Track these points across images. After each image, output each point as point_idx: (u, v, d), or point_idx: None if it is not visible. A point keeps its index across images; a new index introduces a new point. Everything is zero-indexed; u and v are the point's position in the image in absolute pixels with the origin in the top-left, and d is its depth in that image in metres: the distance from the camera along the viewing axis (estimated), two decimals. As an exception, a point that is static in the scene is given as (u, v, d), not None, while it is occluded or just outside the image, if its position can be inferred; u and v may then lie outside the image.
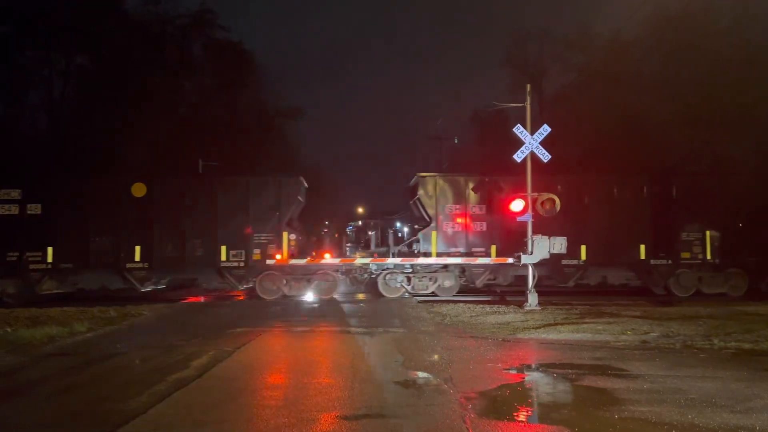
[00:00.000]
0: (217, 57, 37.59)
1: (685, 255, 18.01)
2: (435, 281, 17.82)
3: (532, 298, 14.42)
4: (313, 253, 18.64)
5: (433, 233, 17.82)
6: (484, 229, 17.99)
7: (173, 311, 15.02)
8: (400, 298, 17.48)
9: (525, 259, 14.75)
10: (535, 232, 14.81)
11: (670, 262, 17.99)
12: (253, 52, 39.67)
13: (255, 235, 17.35)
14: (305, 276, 17.78)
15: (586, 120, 30.94)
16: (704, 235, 17.98)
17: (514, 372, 7.84)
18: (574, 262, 17.77)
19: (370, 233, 19.65)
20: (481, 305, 15.03)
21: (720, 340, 9.57)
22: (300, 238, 18.79)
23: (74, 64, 34.16)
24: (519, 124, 14.76)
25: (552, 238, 14.70)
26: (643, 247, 17.91)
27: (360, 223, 19.28)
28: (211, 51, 37.81)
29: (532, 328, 11.20)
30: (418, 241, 18.25)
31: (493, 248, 17.74)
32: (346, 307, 15.69)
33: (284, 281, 17.58)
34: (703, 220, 18.00)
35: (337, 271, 18.31)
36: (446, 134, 40.58)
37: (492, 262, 17.69)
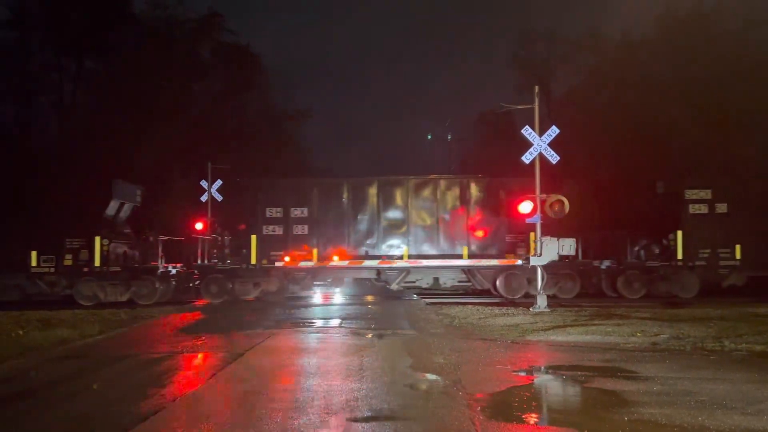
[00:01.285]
0: (226, 60, 37.75)
1: None
2: None
3: (541, 300, 14.38)
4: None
5: None
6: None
7: (183, 314, 15.09)
8: (408, 299, 17.52)
9: (534, 261, 14.72)
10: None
11: None
12: (261, 55, 39.61)
13: None
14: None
15: (595, 121, 30.85)
16: None
17: (523, 374, 7.83)
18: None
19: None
20: (490, 307, 15.02)
21: (731, 342, 9.51)
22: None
23: (84, 68, 34.43)
24: (527, 126, 14.75)
25: (561, 239, 14.67)
26: None
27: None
28: (219, 54, 37.98)
29: (541, 330, 11.18)
30: None
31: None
32: (354, 308, 15.70)
33: None
34: None
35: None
36: (454, 135, 40.55)
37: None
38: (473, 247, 18.55)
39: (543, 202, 14.75)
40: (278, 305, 16.41)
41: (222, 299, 18.12)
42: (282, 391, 6.97)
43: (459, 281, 19.12)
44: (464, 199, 18.83)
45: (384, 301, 17.34)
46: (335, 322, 13.09)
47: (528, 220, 14.92)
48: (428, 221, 18.85)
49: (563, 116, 31.29)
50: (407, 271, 18.77)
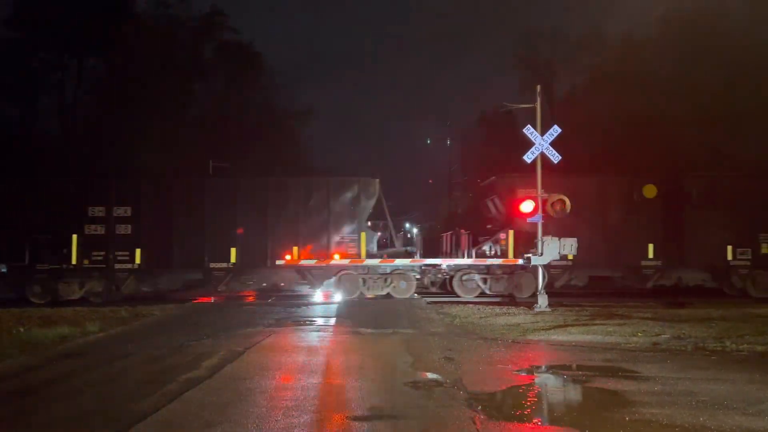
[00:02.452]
0: (228, 59, 37.78)
1: None
2: None
3: (542, 300, 14.37)
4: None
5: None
6: None
7: (183, 311, 15.10)
8: (409, 298, 17.50)
9: (535, 260, 14.71)
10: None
11: None
12: (263, 54, 39.71)
13: None
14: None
15: (597, 121, 30.83)
16: None
17: (523, 373, 7.82)
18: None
19: (378, 234, 19.57)
20: (491, 306, 15.01)
21: (732, 343, 9.50)
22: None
23: (86, 67, 34.47)
24: (529, 125, 14.73)
25: (562, 239, 14.66)
26: None
27: (369, 223, 19.21)
28: (221, 53, 38.01)
29: (542, 329, 11.17)
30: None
31: None
32: (355, 308, 15.70)
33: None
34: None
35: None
36: (455, 135, 40.54)
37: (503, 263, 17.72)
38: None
39: (545, 201, 14.73)
40: (277, 305, 16.41)
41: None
42: (282, 389, 6.96)
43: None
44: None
45: (384, 300, 17.33)
46: (335, 320, 13.08)
47: (529, 220, 14.90)
48: None
49: (565, 116, 31.28)
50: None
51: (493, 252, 18.30)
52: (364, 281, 17.72)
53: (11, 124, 32.71)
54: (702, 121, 26.36)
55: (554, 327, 11.35)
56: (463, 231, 19.37)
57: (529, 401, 6.42)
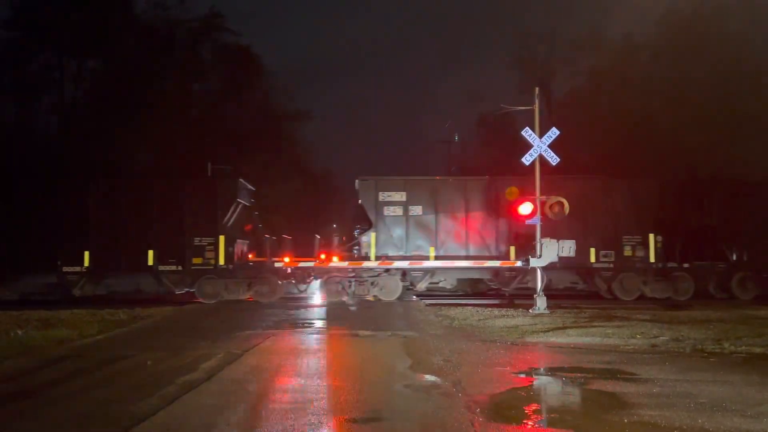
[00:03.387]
0: (226, 61, 37.73)
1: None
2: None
3: (541, 302, 14.37)
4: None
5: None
6: None
7: (181, 314, 15.08)
8: (408, 300, 17.50)
9: (534, 262, 14.72)
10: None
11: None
12: (262, 56, 39.71)
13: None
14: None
15: (595, 123, 30.85)
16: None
17: (522, 376, 7.82)
18: None
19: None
20: (489, 308, 15.01)
21: (731, 345, 9.51)
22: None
23: (85, 68, 34.43)
24: (527, 127, 14.75)
25: (561, 241, 14.67)
26: None
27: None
28: (220, 55, 37.95)
29: (541, 331, 11.17)
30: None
31: None
32: (353, 310, 15.70)
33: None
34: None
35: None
36: (454, 137, 40.45)
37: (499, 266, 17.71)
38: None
39: (543, 203, 14.74)
40: (276, 306, 16.40)
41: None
42: (281, 392, 6.96)
43: None
44: None
45: (383, 303, 17.32)
46: (335, 323, 13.08)
47: (528, 221, 14.90)
48: None
49: (564, 118, 31.30)
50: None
51: None
52: (226, 286, 17.74)
53: (10, 125, 32.68)
54: (701, 122, 26.39)
55: (553, 329, 11.35)
56: None
57: (528, 404, 6.42)
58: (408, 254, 17.79)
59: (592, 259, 17.62)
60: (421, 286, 18.34)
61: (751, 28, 26.83)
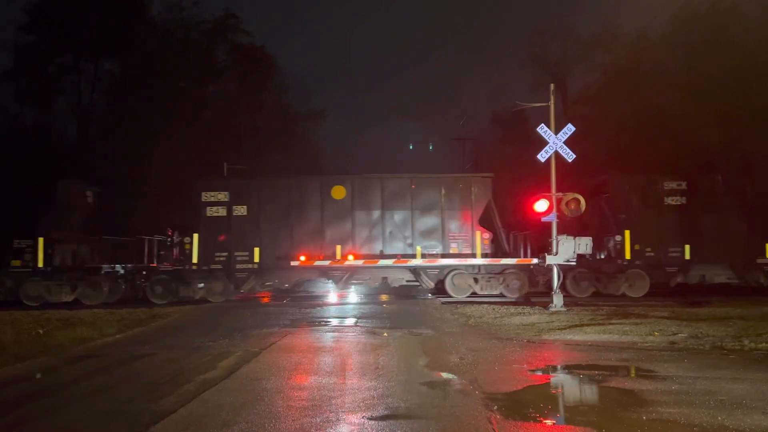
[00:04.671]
0: (241, 61, 37.96)
1: None
2: None
3: (557, 299, 14.30)
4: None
5: None
6: None
7: (200, 313, 15.21)
8: (424, 298, 17.53)
9: (550, 259, 14.65)
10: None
11: None
12: (276, 56, 39.87)
13: None
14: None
15: (611, 119, 30.63)
16: None
17: (539, 373, 7.80)
18: None
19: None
20: (506, 306, 14.98)
21: (751, 341, 9.40)
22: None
23: (102, 70, 34.81)
24: (543, 124, 14.68)
25: (577, 238, 14.59)
26: None
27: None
28: (234, 55, 38.20)
29: (558, 329, 11.13)
30: None
31: None
32: (369, 308, 15.73)
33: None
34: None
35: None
36: (468, 134, 40.33)
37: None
38: None
39: (559, 200, 14.67)
40: (292, 305, 16.48)
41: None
42: (298, 390, 7.00)
43: None
44: None
45: (399, 300, 17.36)
46: (350, 321, 13.12)
47: (544, 219, 14.83)
48: None
49: (579, 114, 31.10)
50: None
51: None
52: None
53: (29, 128, 33.12)
54: (716, 117, 26.09)
55: (570, 327, 11.30)
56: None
57: (545, 401, 6.40)
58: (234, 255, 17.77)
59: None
60: (247, 287, 18.50)
61: (764, 20, 26.45)
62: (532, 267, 17.77)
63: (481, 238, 17.92)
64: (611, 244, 18.15)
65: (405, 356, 8.87)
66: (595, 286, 18.02)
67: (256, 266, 17.73)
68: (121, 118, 31.38)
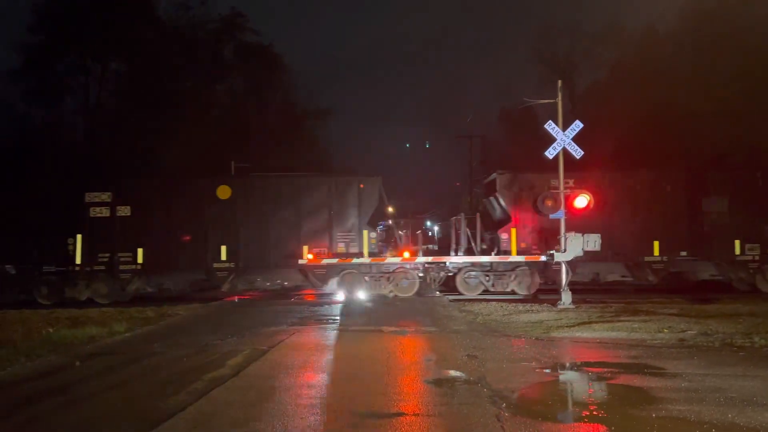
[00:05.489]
0: (248, 60, 38.05)
1: None
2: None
3: (566, 297, 14.25)
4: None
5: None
6: None
7: (208, 311, 15.26)
8: (432, 296, 17.50)
9: (558, 257, 14.60)
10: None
11: None
12: (283, 55, 39.88)
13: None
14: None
15: (618, 115, 30.49)
16: None
17: (548, 371, 7.78)
18: None
19: (400, 232, 19.48)
20: (514, 304, 14.94)
21: (761, 338, 9.34)
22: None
23: (109, 70, 34.95)
24: (551, 121, 14.62)
25: (586, 235, 14.53)
26: None
27: (390, 222, 19.30)
28: (241, 54, 38.29)
29: (566, 326, 11.09)
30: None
31: None
32: (377, 305, 15.73)
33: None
34: None
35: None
36: (476, 132, 40.34)
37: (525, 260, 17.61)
38: None
39: (567, 197, 14.61)
40: (300, 304, 16.52)
41: None
42: (307, 387, 7.02)
43: None
44: None
45: (406, 299, 17.34)
46: (358, 319, 13.12)
47: (552, 216, 14.79)
48: None
49: (586, 111, 30.99)
50: None
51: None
52: None
53: (37, 128, 33.32)
54: (724, 113, 25.93)
55: (578, 324, 11.26)
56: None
57: (554, 398, 6.39)
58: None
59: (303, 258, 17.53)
60: (131, 288, 17.97)
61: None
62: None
63: (369, 237, 17.66)
64: (500, 242, 18.04)
65: (413, 354, 8.88)
66: (484, 284, 17.88)
67: (139, 267, 17.41)
68: (129, 117, 31.50)
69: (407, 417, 5.66)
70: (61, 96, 34.35)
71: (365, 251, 17.66)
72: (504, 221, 18.20)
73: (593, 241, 14.54)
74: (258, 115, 38.21)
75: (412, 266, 17.88)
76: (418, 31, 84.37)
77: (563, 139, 14.38)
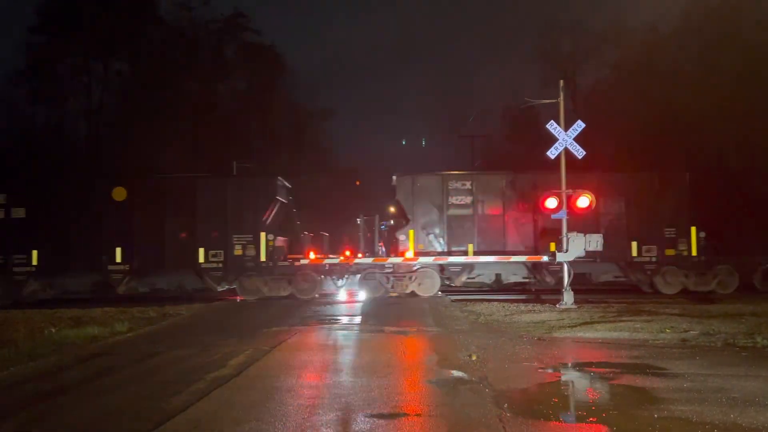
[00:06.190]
0: (250, 60, 38.09)
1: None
2: None
3: (568, 297, 14.25)
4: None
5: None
6: None
7: (210, 311, 15.28)
8: (434, 296, 17.50)
9: (560, 257, 14.59)
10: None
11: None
12: (285, 55, 40.04)
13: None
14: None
15: (621, 115, 30.43)
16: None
17: (550, 371, 7.77)
18: None
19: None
20: (516, 304, 14.93)
21: (763, 338, 9.31)
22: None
23: (112, 70, 35.04)
24: (552, 121, 14.61)
25: (588, 235, 14.51)
26: None
27: (392, 222, 19.29)
28: (244, 54, 38.34)
29: (568, 326, 11.08)
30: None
31: None
32: (378, 305, 15.74)
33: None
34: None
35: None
36: (478, 131, 40.23)
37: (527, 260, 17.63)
38: None
39: (569, 197, 14.60)
40: (302, 304, 16.52)
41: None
42: (308, 388, 7.02)
43: None
44: None
45: (408, 298, 17.35)
46: (360, 319, 13.13)
47: (553, 216, 14.77)
48: None
49: (589, 111, 30.94)
50: None
51: None
52: None
53: (40, 128, 33.42)
54: (728, 112, 25.85)
55: (580, 324, 11.24)
56: None
57: (556, 399, 6.38)
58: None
59: (201, 259, 17.37)
60: (28, 290, 17.80)
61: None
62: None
63: (266, 240, 17.40)
64: (398, 243, 18.19)
65: (415, 354, 8.88)
66: (383, 285, 17.85)
67: (34, 269, 17.33)
68: (131, 118, 31.55)
69: (409, 417, 5.66)
70: (64, 96, 34.44)
71: (262, 254, 17.34)
72: (403, 223, 18.35)
73: (595, 242, 14.53)
74: (260, 115, 38.24)
75: (314, 268, 17.88)
76: (420, 30, 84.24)
77: (565, 139, 14.37)
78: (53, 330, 11.33)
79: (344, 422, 5.53)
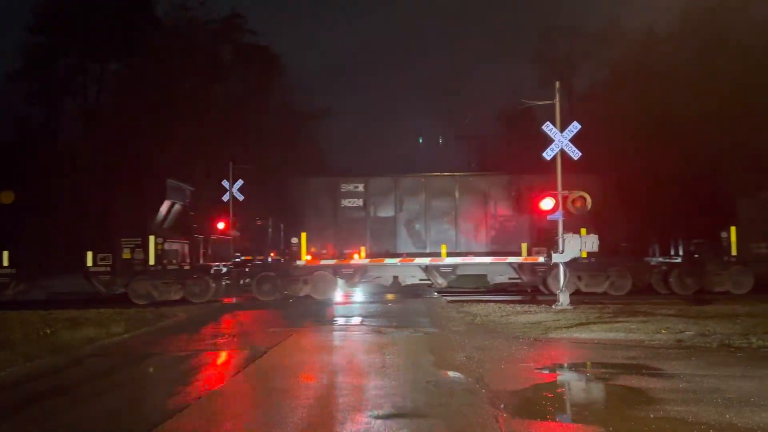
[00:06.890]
0: (247, 61, 38.02)
1: None
2: None
3: (564, 297, 14.27)
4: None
5: None
6: None
7: (206, 312, 15.26)
8: (430, 297, 17.54)
9: (556, 257, 14.61)
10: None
11: None
12: (281, 56, 39.88)
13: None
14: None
15: (617, 116, 30.49)
16: None
17: (546, 372, 7.79)
18: None
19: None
20: (512, 305, 14.95)
21: (758, 339, 9.35)
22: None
23: (108, 70, 34.94)
24: (548, 122, 14.64)
25: (584, 236, 14.55)
26: None
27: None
28: (240, 55, 38.27)
29: (564, 327, 11.10)
30: None
31: None
32: (375, 306, 15.74)
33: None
34: None
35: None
36: (474, 132, 40.29)
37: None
38: None
39: (565, 198, 14.62)
40: (299, 305, 16.52)
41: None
42: (305, 388, 7.02)
43: None
44: None
45: (404, 299, 17.37)
46: (356, 320, 13.14)
47: (549, 217, 14.79)
48: None
49: (585, 112, 30.97)
50: None
51: None
52: None
53: (35, 128, 33.33)
54: (725, 114, 25.93)
55: (576, 325, 11.27)
56: None
57: (552, 399, 6.39)
58: None
59: (90, 262, 17.07)
60: None
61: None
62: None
63: (155, 243, 17.14)
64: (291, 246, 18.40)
65: (411, 355, 8.87)
66: (278, 288, 17.97)
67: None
68: (128, 118, 31.47)
69: (406, 418, 5.66)
70: (61, 96, 34.35)
71: (151, 257, 17.13)
72: (298, 226, 18.44)
73: (591, 243, 14.57)
74: (257, 116, 38.18)
75: (215, 269, 17.94)
76: (416, 30, 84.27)
77: (561, 140, 14.41)
78: (49, 331, 11.28)
79: (341, 423, 5.53)
